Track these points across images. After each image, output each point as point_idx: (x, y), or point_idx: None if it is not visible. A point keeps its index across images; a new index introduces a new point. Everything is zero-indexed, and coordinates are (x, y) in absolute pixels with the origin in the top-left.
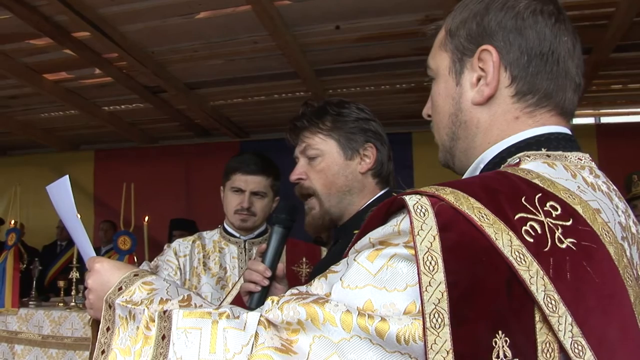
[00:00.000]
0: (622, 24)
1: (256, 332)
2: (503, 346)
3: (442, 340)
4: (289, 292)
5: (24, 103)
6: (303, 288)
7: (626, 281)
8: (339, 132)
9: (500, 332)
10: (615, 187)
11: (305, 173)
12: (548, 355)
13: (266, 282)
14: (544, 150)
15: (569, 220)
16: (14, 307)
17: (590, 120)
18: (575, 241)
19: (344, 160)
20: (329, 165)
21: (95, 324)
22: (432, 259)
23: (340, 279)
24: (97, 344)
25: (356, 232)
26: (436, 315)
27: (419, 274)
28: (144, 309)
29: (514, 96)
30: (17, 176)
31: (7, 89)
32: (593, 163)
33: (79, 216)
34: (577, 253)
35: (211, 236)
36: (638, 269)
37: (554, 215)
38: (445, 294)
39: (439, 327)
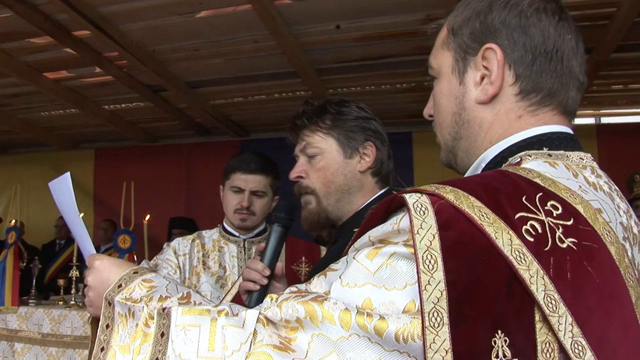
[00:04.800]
0: (623, 24)
1: (255, 329)
2: (502, 346)
3: (441, 339)
4: (287, 290)
5: (25, 101)
6: (302, 286)
7: (627, 282)
8: (339, 131)
9: (499, 331)
10: (617, 187)
11: (305, 171)
12: (548, 355)
13: (265, 281)
14: (545, 150)
15: (569, 220)
16: (14, 305)
17: (590, 121)
18: (576, 241)
19: (343, 159)
20: (329, 163)
21: (94, 321)
22: (432, 257)
23: (340, 277)
24: (96, 341)
25: (356, 230)
26: (435, 314)
27: (418, 272)
28: (143, 307)
29: (517, 95)
30: (18, 174)
31: (8, 87)
32: (595, 163)
33: (81, 215)
34: (578, 253)
35: (211, 235)
36: (639, 270)
37: (554, 215)
38: (444, 292)
39: (438, 326)
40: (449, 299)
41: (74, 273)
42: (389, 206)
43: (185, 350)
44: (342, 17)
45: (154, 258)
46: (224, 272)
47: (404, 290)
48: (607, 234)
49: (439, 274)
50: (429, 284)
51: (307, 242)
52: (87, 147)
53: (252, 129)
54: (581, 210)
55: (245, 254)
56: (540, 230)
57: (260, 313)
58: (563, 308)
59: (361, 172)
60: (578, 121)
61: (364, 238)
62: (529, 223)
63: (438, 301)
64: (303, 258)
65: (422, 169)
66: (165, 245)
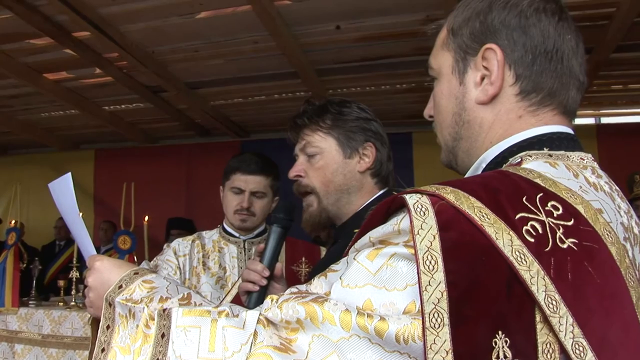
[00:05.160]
0: (623, 24)
1: (255, 330)
2: (503, 346)
3: (442, 340)
4: (288, 291)
5: (25, 102)
6: (303, 287)
7: (628, 282)
8: (339, 131)
9: (500, 332)
10: (617, 188)
11: (304, 170)
12: (549, 356)
13: (264, 282)
14: (546, 150)
15: (570, 220)
16: (14, 306)
17: (590, 121)
18: (576, 241)
19: (342, 159)
20: (328, 163)
21: (95, 322)
22: (432, 258)
23: (340, 278)
24: (97, 342)
25: (356, 231)
26: (436, 315)
27: (418, 273)
28: (144, 307)
29: (517, 95)
30: (18, 175)
31: (8, 88)
32: (595, 163)
33: (80, 214)
34: (579, 253)
35: (211, 236)
36: None
37: (555, 215)
38: (444, 293)
39: (439, 326)
40: (449, 299)
41: (74, 274)
42: (389, 207)
43: (186, 351)
44: (342, 17)
45: (154, 259)
46: (224, 273)
47: (405, 291)
48: (607, 234)
49: (440, 275)
50: (429, 284)
51: (307, 243)
52: (87, 148)
53: (252, 130)
54: (582, 211)
55: (245, 254)
56: (540, 231)
57: (260, 314)
58: (564, 309)
59: (360, 173)
60: (578, 121)
61: (364, 239)
62: (529, 223)
63: (438, 302)
64: (303, 259)
65: (422, 170)
66: (165, 246)
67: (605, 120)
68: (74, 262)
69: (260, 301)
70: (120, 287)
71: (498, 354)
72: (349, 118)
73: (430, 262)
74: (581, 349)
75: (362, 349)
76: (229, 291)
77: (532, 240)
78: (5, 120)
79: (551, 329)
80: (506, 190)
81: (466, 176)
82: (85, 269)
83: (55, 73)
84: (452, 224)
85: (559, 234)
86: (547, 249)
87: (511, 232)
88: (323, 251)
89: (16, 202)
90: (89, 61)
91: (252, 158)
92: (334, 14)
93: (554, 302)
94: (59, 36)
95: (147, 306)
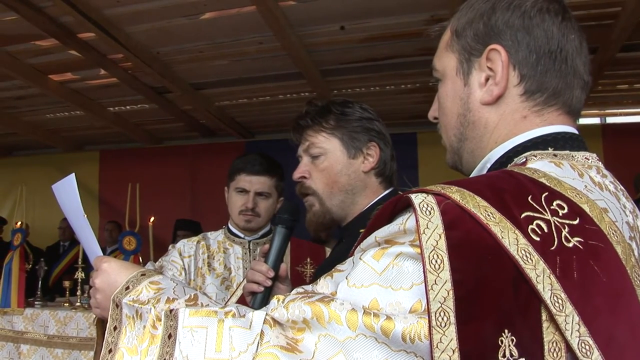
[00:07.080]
0: (628, 23)
1: (262, 330)
2: (509, 345)
3: (448, 339)
4: (294, 291)
5: (30, 104)
6: (309, 287)
7: (634, 280)
8: (342, 131)
9: (506, 331)
10: (622, 187)
11: (308, 172)
12: (555, 355)
13: (269, 283)
14: (550, 150)
15: (575, 219)
16: (19, 307)
17: (596, 121)
18: (582, 240)
19: (347, 159)
20: (332, 164)
21: (100, 323)
22: (438, 257)
23: (346, 278)
24: (104, 343)
25: (362, 231)
26: (442, 314)
27: (424, 272)
28: (151, 308)
29: (522, 95)
30: (23, 176)
31: (13, 89)
32: (600, 163)
33: (85, 215)
34: (584, 252)
35: (215, 237)
36: None
37: (560, 214)
38: (451, 292)
39: (445, 325)
40: (455, 298)
41: (80, 275)
42: (395, 206)
43: (193, 351)
44: (346, 18)
45: (159, 260)
46: (229, 274)
47: (411, 290)
48: (613, 233)
49: (446, 274)
50: (435, 283)
51: (312, 244)
52: (91, 149)
53: (257, 131)
54: (587, 210)
55: (250, 255)
56: (546, 230)
57: (267, 314)
58: (570, 307)
59: (365, 173)
60: (583, 121)
61: (370, 238)
62: (535, 222)
63: (445, 301)
64: (308, 259)
65: (426, 170)
66: (170, 247)
67: (610, 120)
68: (79, 262)
69: (264, 302)
70: (127, 288)
71: (504, 352)
72: (352, 118)
73: (436, 261)
74: (587, 347)
75: (368, 349)
76: (234, 292)
77: (538, 239)
78: (11, 122)
79: (557, 327)
80: (511, 189)
81: (471, 176)
82: (90, 270)
83: (60, 74)
84: (457, 223)
85: (565, 232)
86: (552, 248)
87: (517, 231)
88: (328, 252)
89: (21, 203)
90: (94, 62)
91: (257, 159)
92: (338, 15)
93: (559, 301)
94: (64, 37)
95: (154, 307)
